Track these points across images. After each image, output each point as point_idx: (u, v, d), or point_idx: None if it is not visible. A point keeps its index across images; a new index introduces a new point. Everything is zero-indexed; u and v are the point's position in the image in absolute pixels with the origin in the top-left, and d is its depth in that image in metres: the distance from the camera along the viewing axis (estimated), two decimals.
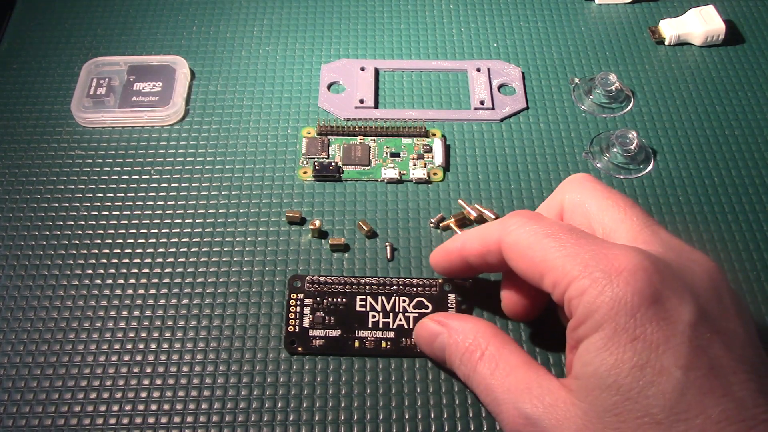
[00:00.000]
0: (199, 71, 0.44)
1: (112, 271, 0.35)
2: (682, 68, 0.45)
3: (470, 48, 0.46)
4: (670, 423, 0.23)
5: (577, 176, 0.30)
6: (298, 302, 0.34)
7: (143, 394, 0.31)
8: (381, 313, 0.34)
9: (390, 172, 0.39)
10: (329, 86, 0.44)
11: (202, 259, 0.36)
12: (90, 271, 0.35)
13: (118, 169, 0.40)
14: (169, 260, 0.36)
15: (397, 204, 0.38)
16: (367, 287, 0.34)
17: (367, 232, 0.37)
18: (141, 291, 0.35)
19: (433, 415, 0.31)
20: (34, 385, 0.32)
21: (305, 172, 0.39)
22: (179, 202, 0.38)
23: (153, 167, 0.40)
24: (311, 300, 0.34)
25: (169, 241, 0.37)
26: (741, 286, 0.35)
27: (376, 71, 0.45)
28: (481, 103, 0.43)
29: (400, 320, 0.33)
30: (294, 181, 0.39)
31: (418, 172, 0.39)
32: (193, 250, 0.36)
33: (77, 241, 0.36)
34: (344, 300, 0.34)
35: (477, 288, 0.35)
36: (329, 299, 0.34)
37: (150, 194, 0.38)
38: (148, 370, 0.32)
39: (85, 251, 0.36)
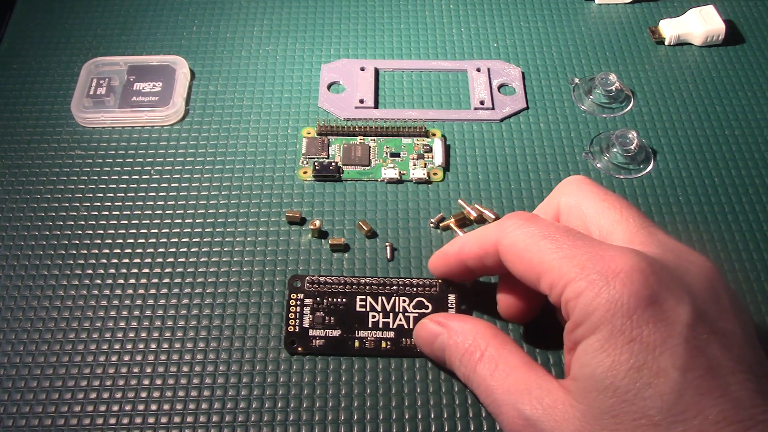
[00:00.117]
0: (199, 71, 0.44)
1: (112, 271, 0.35)
2: (682, 68, 0.45)
3: (470, 48, 0.46)
4: (667, 424, 0.23)
5: (573, 178, 0.30)
6: (298, 302, 0.34)
7: (143, 394, 0.32)
8: (381, 313, 0.34)
9: (390, 172, 0.39)
10: (329, 86, 0.44)
11: (202, 259, 0.36)
12: (90, 271, 0.35)
13: (118, 169, 0.40)
14: (169, 260, 0.36)
15: (397, 204, 0.38)
16: (367, 287, 0.34)
17: (367, 232, 0.37)
18: (141, 291, 0.35)
19: (433, 415, 0.31)
20: (34, 385, 0.32)
21: (305, 172, 0.39)
22: (179, 202, 0.38)
23: (153, 167, 0.40)
24: (311, 300, 0.34)
25: (169, 241, 0.37)
26: (741, 286, 0.35)
27: (376, 71, 0.45)
28: (481, 103, 0.43)
29: (400, 320, 0.33)
30: (294, 181, 0.39)
31: (418, 172, 0.39)
32: (193, 250, 0.36)
33: (77, 241, 0.37)
34: (344, 300, 0.34)
35: (477, 288, 0.35)
36: (329, 299, 0.34)
37: (150, 194, 0.38)
38: (148, 370, 0.32)
39: (85, 251, 0.36)
